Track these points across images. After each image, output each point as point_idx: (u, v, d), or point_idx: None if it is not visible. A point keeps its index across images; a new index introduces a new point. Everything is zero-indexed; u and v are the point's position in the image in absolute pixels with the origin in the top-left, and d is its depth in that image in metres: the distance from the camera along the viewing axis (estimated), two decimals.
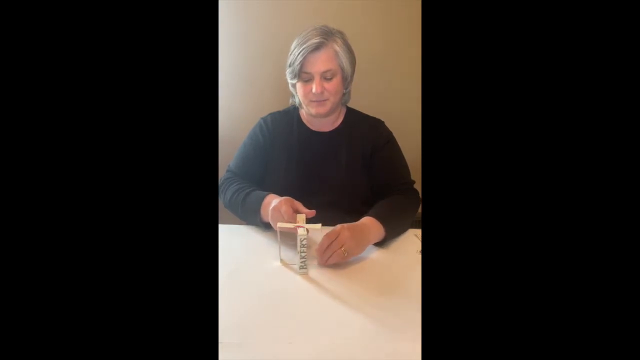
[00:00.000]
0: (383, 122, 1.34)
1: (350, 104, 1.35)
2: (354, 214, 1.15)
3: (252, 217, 1.16)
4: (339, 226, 1.00)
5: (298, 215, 1.00)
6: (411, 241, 1.13)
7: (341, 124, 1.31)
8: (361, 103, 1.38)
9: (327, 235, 0.98)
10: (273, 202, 1.05)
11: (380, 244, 1.09)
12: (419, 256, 1.05)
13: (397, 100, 1.71)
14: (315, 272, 0.98)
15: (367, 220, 1.06)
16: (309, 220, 0.99)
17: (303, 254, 0.96)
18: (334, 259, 0.97)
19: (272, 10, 1.62)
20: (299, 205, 1.03)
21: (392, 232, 1.09)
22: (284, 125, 1.31)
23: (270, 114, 1.35)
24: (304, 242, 0.95)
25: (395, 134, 1.33)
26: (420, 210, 1.26)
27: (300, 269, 0.97)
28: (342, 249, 0.97)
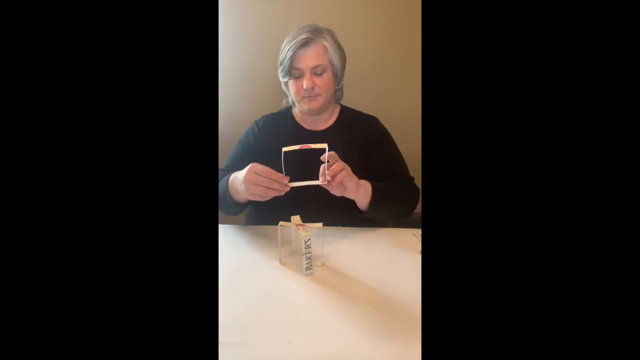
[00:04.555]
0: (377, 119, 1.34)
1: (350, 103, 1.35)
2: (350, 212, 1.15)
3: (224, 203, 1.13)
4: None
5: (292, 217, 1.00)
6: (411, 241, 1.13)
7: (335, 121, 1.31)
8: (361, 102, 1.38)
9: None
10: (240, 174, 1.03)
11: (361, 216, 1.14)
12: (419, 256, 1.05)
13: (397, 99, 1.71)
14: (315, 272, 0.98)
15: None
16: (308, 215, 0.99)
17: (308, 255, 0.95)
18: (340, 175, 0.99)
19: (272, 10, 1.62)
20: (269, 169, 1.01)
21: (377, 204, 1.11)
22: (277, 125, 1.31)
23: (263, 116, 1.35)
24: (308, 243, 0.94)
25: (395, 133, 1.33)
26: (420, 210, 1.26)
27: (306, 270, 0.96)
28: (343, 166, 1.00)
